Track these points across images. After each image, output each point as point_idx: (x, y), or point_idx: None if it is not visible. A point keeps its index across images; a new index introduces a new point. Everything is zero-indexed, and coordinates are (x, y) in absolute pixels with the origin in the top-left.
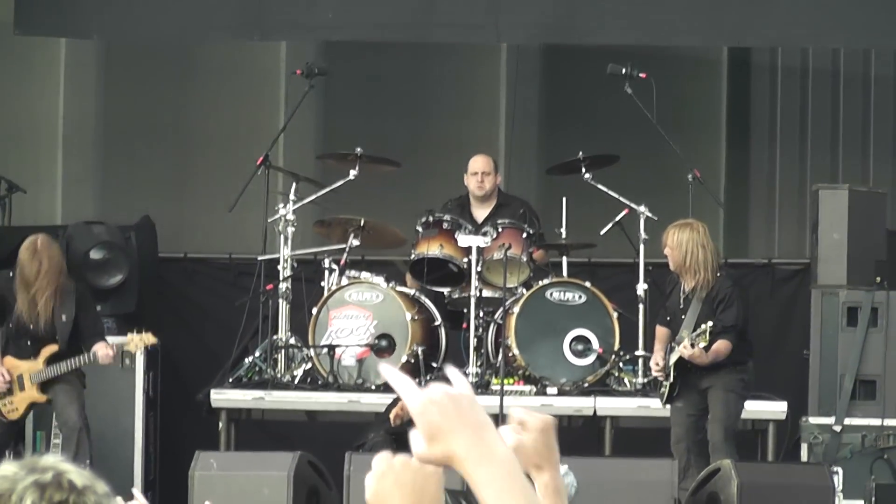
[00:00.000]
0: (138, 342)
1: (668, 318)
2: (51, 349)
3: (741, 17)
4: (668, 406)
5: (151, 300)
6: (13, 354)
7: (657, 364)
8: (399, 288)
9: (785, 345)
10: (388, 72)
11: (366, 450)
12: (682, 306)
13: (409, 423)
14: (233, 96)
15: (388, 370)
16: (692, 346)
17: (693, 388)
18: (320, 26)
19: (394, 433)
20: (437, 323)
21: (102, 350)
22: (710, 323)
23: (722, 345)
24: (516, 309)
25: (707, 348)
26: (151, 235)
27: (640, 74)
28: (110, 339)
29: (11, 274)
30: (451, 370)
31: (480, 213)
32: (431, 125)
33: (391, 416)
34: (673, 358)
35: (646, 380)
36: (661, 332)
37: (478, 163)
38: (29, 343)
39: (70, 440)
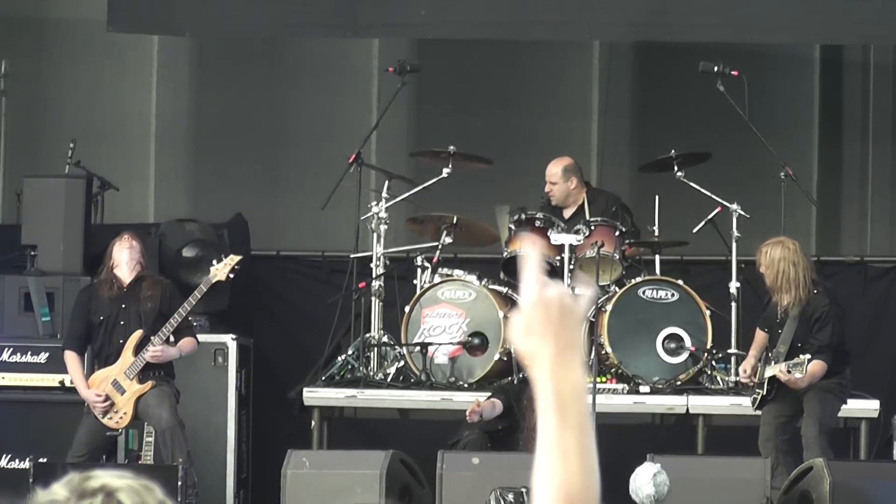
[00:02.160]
0: (223, 269)
1: (767, 329)
2: (135, 336)
3: (833, 14)
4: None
5: (244, 298)
6: (101, 368)
7: (745, 371)
8: (492, 286)
9: (877, 343)
10: (481, 69)
11: (459, 448)
12: (778, 320)
13: (485, 422)
14: (325, 93)
15: (530, 256)
16: (788, 372)
17: (788, 393)
18: (413, 24)
19: (489, 432)
20: None
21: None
22: (807, 356)
23: (817, 366)
24: (609, 307)
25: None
26: (244, 233)
27: (732, 72)
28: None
29: (92, 280)
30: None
31: (567, 210)
32: (524, 122)
33: (467, 412)
34: (768, 372)
35: (738, 378)
36: (759, 336)
37: (547, 170)
38: (121, 342)
39: (164, 439)
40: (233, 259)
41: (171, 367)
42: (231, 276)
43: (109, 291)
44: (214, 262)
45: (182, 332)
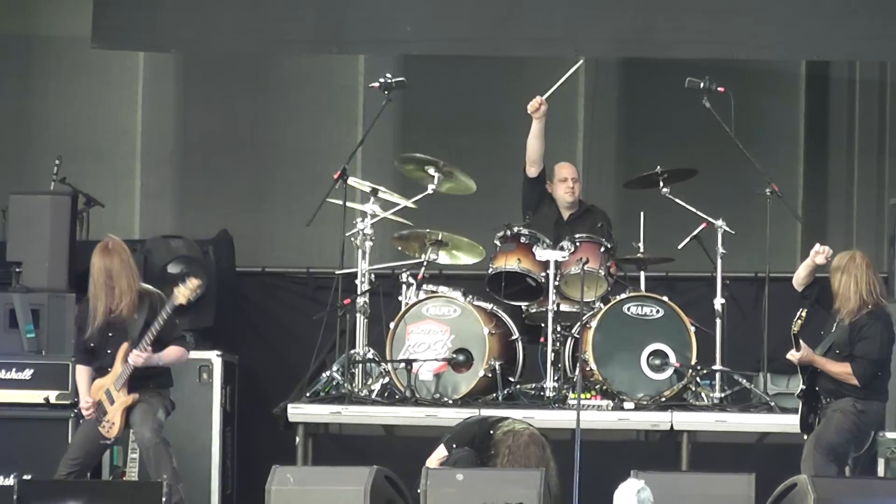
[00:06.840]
0: (185, 292)
1: (822, 332)
2: (123, 348)
3: (819, 30)
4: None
5: (229, 314)
6: (98, 377)
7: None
8: (476, 302)
9: None
10: (466, 85)
11: (448, 464)
12: (830, 325)
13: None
14: (311, 110)
15: None
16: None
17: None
18: (399, 40)
19: (478, 448)
20: (514, 337)
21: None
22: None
23: (843, 366)
24: (594, 323)
25: None
26: (229, 249)
27: (719, 88)
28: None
29: (85, 297)
30: None
31: (569, 211)
32: (509, 138)
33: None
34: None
35: (723, 394)
36: None
37: (566, 169)
38: (109, 353)
39: (148, 457)
40: (193, 282)
41: (168, 378)
42: (192, 300)
43: (101, 304)
44: (180, 283)
45: (169, 343)
